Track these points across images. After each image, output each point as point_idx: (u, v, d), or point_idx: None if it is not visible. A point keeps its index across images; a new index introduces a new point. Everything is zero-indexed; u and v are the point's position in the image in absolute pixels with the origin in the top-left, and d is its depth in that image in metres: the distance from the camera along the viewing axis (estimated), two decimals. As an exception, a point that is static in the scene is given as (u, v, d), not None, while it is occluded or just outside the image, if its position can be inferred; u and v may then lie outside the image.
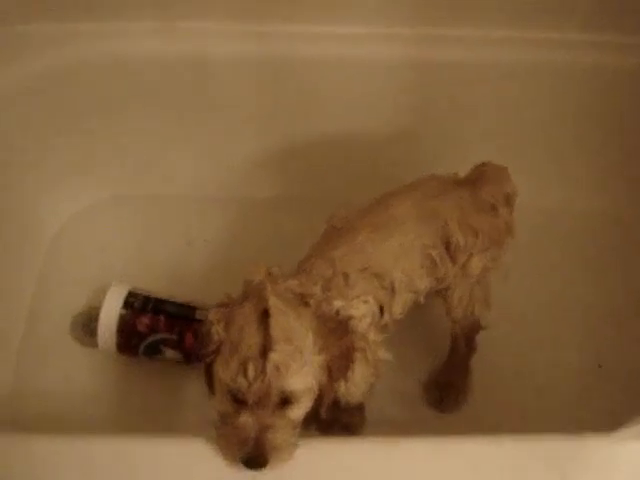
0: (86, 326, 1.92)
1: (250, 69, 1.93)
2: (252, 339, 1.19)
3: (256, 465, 1.19)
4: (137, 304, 1.83)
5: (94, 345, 1.86)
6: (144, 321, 1.81)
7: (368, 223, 1.47)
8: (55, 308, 1.95)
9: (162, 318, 1.82)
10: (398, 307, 1.48)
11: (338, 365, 1.27)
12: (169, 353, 1.82)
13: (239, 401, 1.21)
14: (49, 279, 2.02)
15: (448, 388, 1.82)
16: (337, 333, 1.26)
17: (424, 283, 1.51)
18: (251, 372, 1.17)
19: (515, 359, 1.89)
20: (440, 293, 1.63)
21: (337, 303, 1.32)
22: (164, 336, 1.81)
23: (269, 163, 2.11)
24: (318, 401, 1.28)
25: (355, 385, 1.43)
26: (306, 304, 1.25)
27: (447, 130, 1.95)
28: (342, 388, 1.41)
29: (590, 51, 1.93)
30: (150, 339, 1.81)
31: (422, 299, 1.54)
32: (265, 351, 1.17)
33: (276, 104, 1.99)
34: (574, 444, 1.24)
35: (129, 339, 1.81)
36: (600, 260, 2.07)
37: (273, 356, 1.17)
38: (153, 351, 1.82)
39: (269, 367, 1.17)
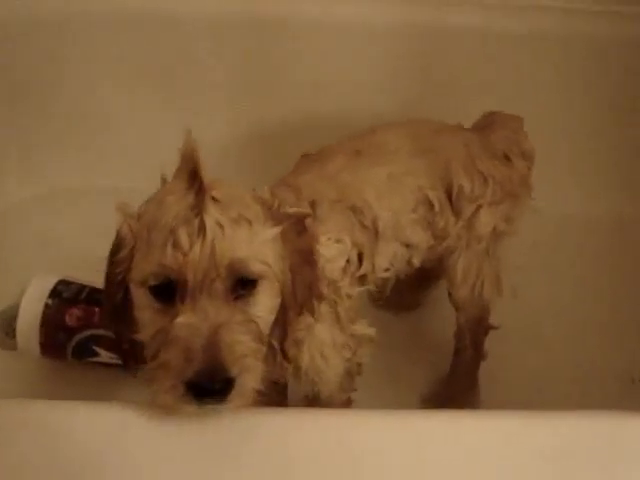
0: (6, 326, 1.55)
1: (230, 34, 1.68)
2: (179, 205, 0.87)
3: (211, 384, 0.83)
4: (67, 293, 1.49)
5: (14, 348, 1.50)
6: (75, 313, 1.47)
7: (348, 148, 1.16)
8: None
9: (98, 310, 1.45)
10: (383, 259, 1.15)
11: (301, 277, 0.95)
12: (103, 355, 1.46)
13: (171, 298, 0.87)
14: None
15: (451, 404, 1.46)
16: (293, 229, 0.94)
17: (418, 235, 1.18)
18: (184, 237, 0.84)
19: (532, 376, 1.54)
20: (441, 264, 1.28)
21: None
22: (99, 332, 1.46)
23: (248, 148, 1.83)
24: (282, 322, 0.96)
25: (322, 354, 1.09)
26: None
27: (450, 107, 1.63)
28: (305, 359, 1.08)
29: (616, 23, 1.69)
30: (81, 335, 1.47)
31: (416, 261, 1.20)
32: (200, 210, 0.85)
33: (258, 76, 1.74)
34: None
35: (55, 335, 1.47)
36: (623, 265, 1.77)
37: (213, 212, 0.85)
38: (84, 352, 1.47)
39: (209, 225, 0.84)
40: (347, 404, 1.25)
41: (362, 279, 1.13)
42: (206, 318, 0.84)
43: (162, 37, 1.69)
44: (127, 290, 0.93)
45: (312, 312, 1.00)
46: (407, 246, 1.18)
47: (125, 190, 1.78)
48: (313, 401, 1.22)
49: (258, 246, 0.89)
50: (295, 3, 1.68)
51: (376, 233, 1.12)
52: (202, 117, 1.73)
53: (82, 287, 1.52)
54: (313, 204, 1.05)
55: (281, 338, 0.98)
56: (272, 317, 0.94)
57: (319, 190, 1.09)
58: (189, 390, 0.83)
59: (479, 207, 1.23)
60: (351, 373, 1.19)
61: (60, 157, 1.87)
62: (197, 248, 0.84)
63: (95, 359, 1.49)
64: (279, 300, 0.94)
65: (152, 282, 0.87)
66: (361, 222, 1.11)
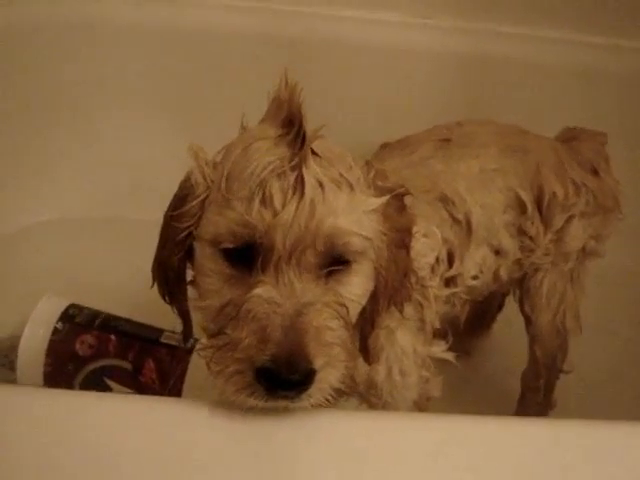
0: (2, 357, 1.35)
1: (261, 52, 1.54)
2: (271, 153, 0.72)
3: (289, 374, 0.67)
4: (80, 318, 1.30)
5: (14, 381, 1.30)
6: (87, 340, 1.27)
7: (436, 136, 1.02)
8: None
9: (113, 338, 1.27)
10: (473, 263, 0.99)
11: (396, 261, 0.80)
12: (117, 390, 1.26)
13: (248, 265, 0.72)
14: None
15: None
16: (394, 205, 0.80)
17: (508, 241, 1.02)
18: (276, 193, 0.69)
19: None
20: (522, 285, 1.12)
21: None
22: (113, 362, 1.26)
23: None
24: (369, 313, 0.81)
25: (401, 369, 0.94)
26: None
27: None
28: (382, 372, 0.93)
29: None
30: (93, 366, 1.26)
31: (504, 273, 1.04)
32: (299, 162, 0.70)
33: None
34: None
35: (62, 365, 1.27)
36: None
37: (314, 167, 0.70)
38: (94, 386, 1.26)
39: (309, 182, 0.69)
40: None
41: (450, 282, 0.98)
42: (291, 294, 0.70)
43: (178, 56, 1.59)
44: (189, 251, 0.78)
45: (402, 306, 0.85)
46: (497, 253, 1.03)
47: (134, 222, 1.67)
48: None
49: (360, 216, 0.74)
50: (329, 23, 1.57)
51: (469, 230, 0.97)
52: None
53: (97, 313, 1.34)
54: (402, 186, 0.90)
55: (366, 332, 0.83)
56: (364, 301, 0.79)
57: (405, 178, 0.95)
58: (260, 378, 0.67)
59: (571, 218, 1.10)
60: (420, 406, 1.01)
61: (67, 184, 1.72)
62: (291, 208, 0.69)
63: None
64: (373, 284, 0.79)
65: (228, 243, 0.72)
66: (452, 215, 0.97)
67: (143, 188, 1.65)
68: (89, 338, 1.30)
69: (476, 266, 1.01)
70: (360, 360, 0.86)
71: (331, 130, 1.53)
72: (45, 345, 1.29)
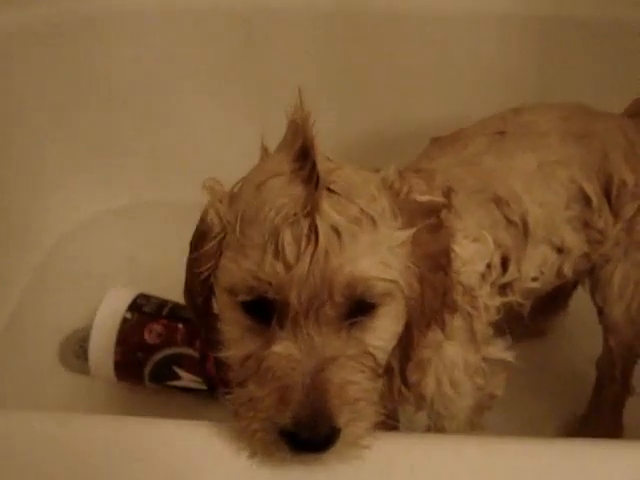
0: (76, 348, 1.41)
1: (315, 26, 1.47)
2: (284, 194, 0.68)
3: (312, 436, 0.65)
4: (148, 307, 1.32)
5: (86, 371, 1.34)
6: (155, 329, 1.29)
7: (490, 128, 0.95)
8: (43, 330, 1.47)
9: (180, 326, 1.28)
10: (531, 265, 0.93)
11: (432, 286, 0.74)
12: (186, 378, 1.27)
13: (267, 316, 0.69)
14: (38, 297, 1.54)
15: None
16: (426, 227, 0.74)
17: (572, 238, 0.95)
18: (289, 244, 0.65)
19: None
20: (592, 276, 1.06)
21: None
22: (181, 351, 1.27)
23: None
24: (404, 343, 0.76)
25: (452, 380, 0.89)
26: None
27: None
28: (431, 385, 0.88)
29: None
30: (161, 354, 1.28)
31: (568, 270, 0.98)
32: (312, 208, 0.65)
33: (347, 74, 1.53)
34: None
35: (132, 354, 1.29)
36: None
37: (328, 212, 0.65)
38: (164, 374, 1.29)
39: (323, 230, 0.65)
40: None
41: (505, 288, 0.92)
42: (311, 350, 0.67)
43: (237, 35, 1.53)
44: (211, 292, 0.75)
45: (443, 326, 0.80)
46: (559, 251, 0.97)
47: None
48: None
49: (384, 255, 0.69)
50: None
51: (525, 232, 0.91)
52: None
53: (164, 302, 1.35)
54: (448, 192, 0.85)
55: (402, 362, 0.79)
56: (394, 342, 0.75)
57: (455, 177, 0.90)
58: (283, 439, 0.65)
59: (643, 206, 1.00)
60: (482, 406, 0.97)
61: (137, 169, 1.72)
62: (305, 261, 0.65)
63: (176, 383, 1.31)
64: (404, 322, 0.75)
65: (243, 297, 0.69)
66: (507, 217, 0.91)
67: (214, 172, 1.63)
68: (157, 327, 1.31)
69: (535, 267, 0.95)
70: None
71: (379, 107, 1.47)
72: (115, 334, 1.32)
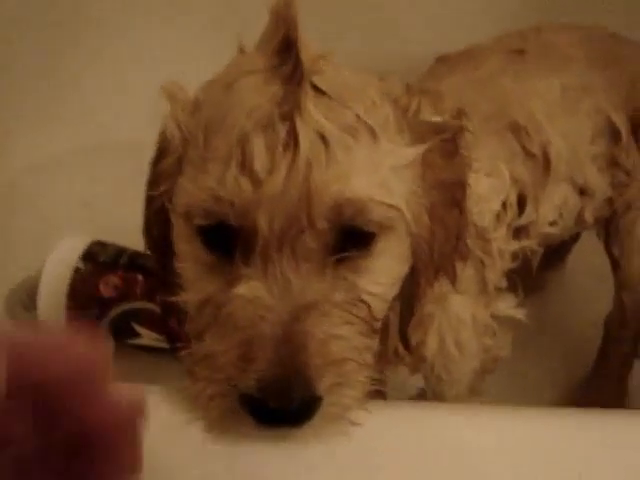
0: (25, 299, 1.24)
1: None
2: (259, 94, 0.53)
3: (283, 405, 0.49)
4: (104, 257, 1.16)
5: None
6: (112, 281, 1.14)
7: (507, 45, 0.81)
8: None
9: (140, 278, 1.13)
10: (551, 206, 0.80)
11: (443, 225, 0.60)
12: (146, 335, 1.13)
13: (230, 251, 0.54)
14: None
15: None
16: (440, 150, 0.59)
17: (596, 177, 0.81)
18: (260, 154, 0.51)
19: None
20: (610, 225, 0.93)
21: None
22: (141, 306, 1.12)
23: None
24: (407, 295, 0.62)
25: (458, 341, 0.76)
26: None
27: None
28: (432, 346, 0.74)
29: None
30: (118, 309, 1.12)
31: (589, 216, 0.85)
32: (293, 108, 0.51)
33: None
34: None
35: (86, 309, 1.15)
36: None
37: (314, 114, 0.51)
38: (121, 331, 1.14)
39: (305, 137, 0.50)
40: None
41: (521, 232, 0.79)
42: (285, 293, 0.52)
43: None
44: (168, 223, 0.60)
45: (454, 277, 0.66)
46: (582, 192, 0.84)
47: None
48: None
49: (386, 176, 0.54)
50: None
51: (547, 166, 0.78)
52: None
53: (122, 249, 1.20)
54: (459, 116, 0.71)
55: (404, 316, 0.65)
56: (395, 290, 0.60)
57: (467, 99, 0.76)
58: (245, 407, 0.50)
59: (675, 145, 0.87)
60: (485, 370, 0.85)
61: (81, 110, 1.53)
62: (279, 175, 0.50)
63: (135, 341, 1.17)
64: (409, 265, 0.60)
65: (200, 220, 0.54)
66: (525, 148, 0.78)
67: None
68: (114, 278, 1.17)
69: (555, 209, 0.83)
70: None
71: (366, 40, 1.32)
72: (66, 286, 1.17)
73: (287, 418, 0.50)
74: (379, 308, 0.58)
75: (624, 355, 1.10)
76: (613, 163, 0.86)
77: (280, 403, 0.49)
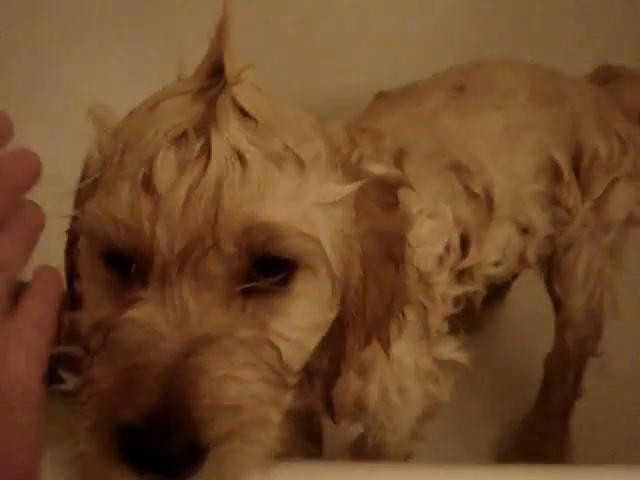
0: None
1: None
2: (181, 115, 0.49)
3: (161, 447, 0.42)
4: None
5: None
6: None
7: (448, 82, 0.80)
8: None
9: (66, 321, 1.05)
10: (494, 247, 0.78)
11: (378, 281, 0.55)
12: (71, 381, 1.07)
13: (129, 267, 0.49)
14: None
15: (534, 457, 1.08)
16: (377, 196, 0.56)
17: (538, 215, 0.80)
18: (165, 168, 0.47)
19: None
20: (551, 263, 0.94)
21: None
22: (65, 350, 1.05)
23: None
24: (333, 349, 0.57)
25: (400, 388, 0.72)
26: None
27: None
28: (373, 394, 0.70)
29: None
30: (42, 354, 1.04)
31: (531, 255, 0.85)
32: (209, 124, 0.47)
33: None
34: None
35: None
36: None
37: (234, 133, 0.47)
38: (47, 378, 1.05)
39: (219, 151, 0.46)
40: (408, 457, 0.87)
41: (464, 274, 0.76)
42: (182, 321, 0.46)
43: None
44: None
45: (386, 343, 0.61)
46: (524, 231, 0.82)
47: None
48: (369, 452, 0.84)
49: (308, 208, 0.50)
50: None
51: (490, 206, 0.76)
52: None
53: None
54: (400, 156, 0.69)
55: (327, 378, 0.60)
56: (314, 341, 0.54)
57: (408, 137, 0.74)
58: (121, 442, 0.44)
59: (615, 181, 0.89)
60: (427, 415, 0.82)
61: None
62: (181, 189, 0.46)
63: (61, 387, 1.09)
64: (333, 313, 0.55)
65: (99, 246, 0.50)
66: (468, 188, 0.76)
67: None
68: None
69: (498, 250, 0.81)
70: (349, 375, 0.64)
71: (309, 74, 1.30)
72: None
73: (164, 465, 0.43)
74: (294, 357, 0.52)
75: (566, 395, 1.09)
76: (554, 201, 0.85)
77: (156, 443, 0.42)
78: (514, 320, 1.29)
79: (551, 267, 0.95)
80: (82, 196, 0.53)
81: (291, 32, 1.34)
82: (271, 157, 0.48)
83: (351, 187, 0.52)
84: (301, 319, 0.52)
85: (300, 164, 0.50)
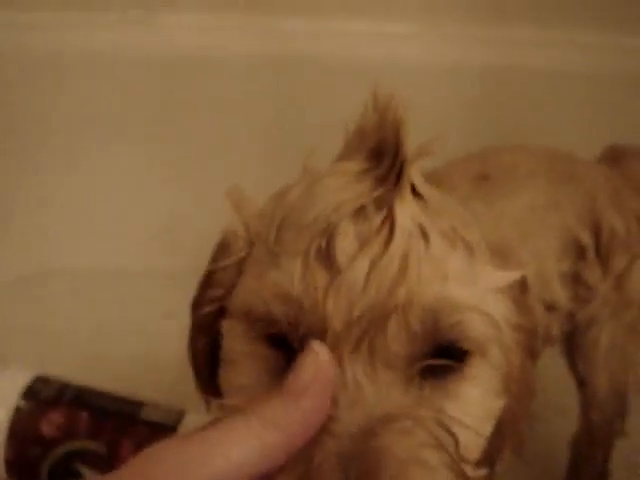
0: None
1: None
2: (347, 192, 0.47)
3: None
4: (46, 393, 1.09)
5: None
6: (55, 419, 1.07)
7: (471, 171, 0.83)
8: None
9: (85, 416, 1.06)
10: None
11: (524, 373, 0.53)
12: (89, 478, 1.04)
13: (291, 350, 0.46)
14: None
15: None
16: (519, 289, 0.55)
17: (560, 292, 0.82)
18: (345, 241, 0.45)
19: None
20: (572, 341, 0.92)
21: None
22: (85, 445, 1.05)
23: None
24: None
25: None
26: None
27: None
28: None
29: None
30: (61, 450, 1.05)
31: (556, 331, 0.88)
32: (389, 201, 0.46)
33: (290, 126, 1.43)
34: None
35: (26, 450, 1.07)
36: None
37: (413, 209, 0.46)
38: (64, 473, 1.05)
39: (402, 227, 0.45)
40: None
41: None
42: (359, 401, 0.42)
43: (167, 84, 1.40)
44: (218, 332, 0.53)
45: (520, 445, 0.57)
46: (549, 309, 0.82)
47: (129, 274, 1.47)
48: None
49: (483, 292, 0.49)
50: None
51: (522, 291, 0.76)
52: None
53: (66, 384, 1.13)
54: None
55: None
56: (488, 427, 0.50)
57: None
58: None
59: (635, 258, 0.90)
60: None
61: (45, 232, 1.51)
62: (364, 261, 0.44)
63: (78, 484, 1.07)
64: (502, 402, 0.51)
65: (261, 326, 0.48)
66: None
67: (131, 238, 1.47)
68: (57, 416, 1.09)
69: None
70: None
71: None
72: (6, 427, 1.08)
73: None
74: (471, 445, 0.47)
75: (595, 475, 1.07)
76: (576, 279, 0.87)
77: None
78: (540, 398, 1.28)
79: (573, 345, 0.95)
80: (221, 275, 0.52)
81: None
82: (446, 236, 0.47)
83: (513, 274, 0.52)
84: (477, 406, 0.49)
85: (469, 247, 0.49)
